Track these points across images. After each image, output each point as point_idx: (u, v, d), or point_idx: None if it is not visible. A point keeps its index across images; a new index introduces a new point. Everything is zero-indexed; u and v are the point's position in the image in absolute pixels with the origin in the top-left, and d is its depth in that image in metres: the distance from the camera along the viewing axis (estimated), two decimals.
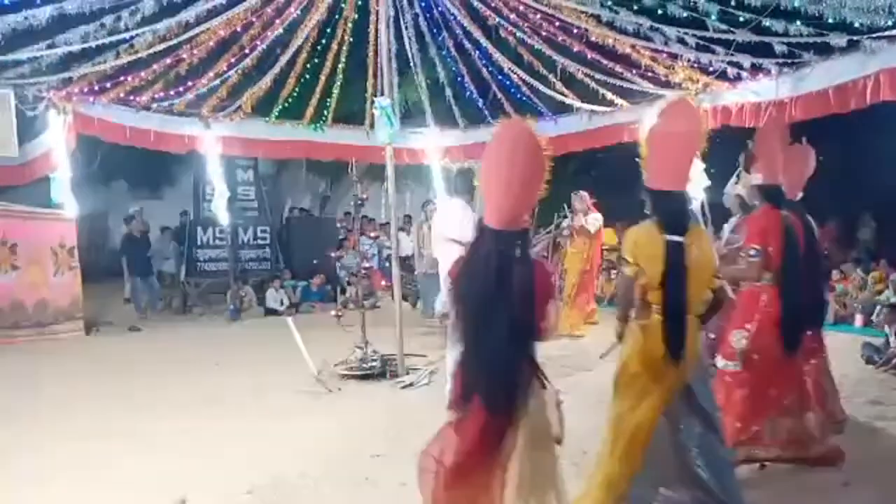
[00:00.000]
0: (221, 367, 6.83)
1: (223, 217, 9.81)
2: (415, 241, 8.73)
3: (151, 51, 6.81)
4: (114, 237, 14.36)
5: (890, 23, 5.03)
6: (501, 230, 2.44)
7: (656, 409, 2.96)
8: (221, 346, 7.87)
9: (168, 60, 7.23)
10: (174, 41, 6.77)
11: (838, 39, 5.62)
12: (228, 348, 7.77)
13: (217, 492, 3.69)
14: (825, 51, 5.98)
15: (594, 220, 7.89)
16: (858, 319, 8.13)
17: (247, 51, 7.53)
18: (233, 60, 7.70)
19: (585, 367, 6.26)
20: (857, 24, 5.22)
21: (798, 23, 5.43)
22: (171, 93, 8.05)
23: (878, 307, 7.96)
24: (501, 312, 2.39)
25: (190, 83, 7.98)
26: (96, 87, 7.37)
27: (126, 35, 6.43)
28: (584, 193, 7.94)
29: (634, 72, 7.61)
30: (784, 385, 3.76)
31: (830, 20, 5.21)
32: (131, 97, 7.91)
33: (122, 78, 7.42)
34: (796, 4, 5.08)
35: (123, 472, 3.96)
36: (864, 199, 12.00)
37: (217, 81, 8.10)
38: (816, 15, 5.27)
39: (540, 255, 10.80)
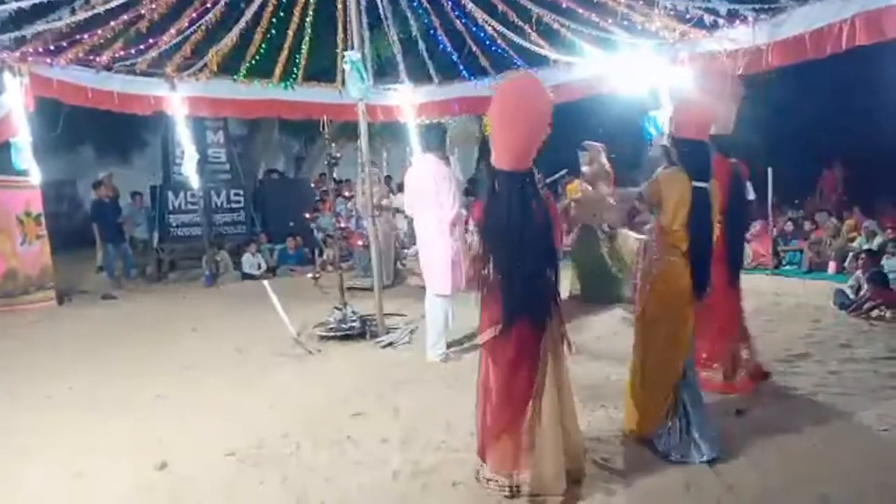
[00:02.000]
0: (199, 332, 6.76)
1: (194, 180, 9.58)
2: (356, 203, 8.50)
3: (108, 6, 6.46)
4: (84, 204, 14.05)
5: None
6: (515, 171, 2.84)
7: (687, 339, 3.34)
8: (198, 312, 7.78)
9: (126, 17, 6.88)
10: None
11: None
12: (205, 314, 7.68)
13: (198, 455, 3.66)
14: None
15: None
16: (832, 266, 8.27)
17: (209, 5, 7.19)
18: (194, 16, 7.36)
19: None
20: None
21: None
22: (133, 51, 7.70)
23: (851, 254, 8.10)
24: (532, 240, 2.83)
25: (151, 41, 7.63)
26: (52, 47, 7.01)
27: None
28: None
29: (611, 20, 7.44)
30: (730, 316, 4.18)
31: None
32: (91, 57, 7.56)
33: (79, 36, 7.06)
34: None
35: (102, 440, 3.92)
36: (836, 147, 12.08)
37: (179, 39, 7.75)
38: None
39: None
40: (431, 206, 5.07)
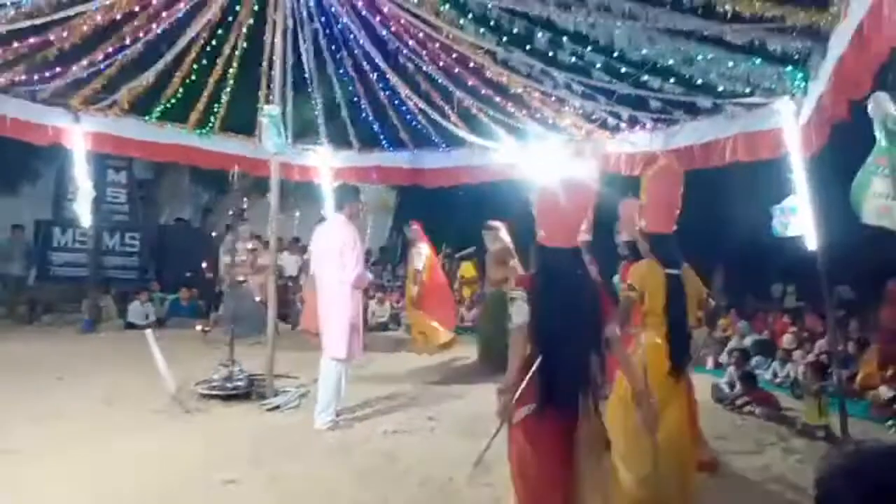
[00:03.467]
0: (66, 381, 6.18)
1: (86, 219, 9.01)
2: (228, 260, 7.96)
3: (12, 27, 6.12)
4: None
5: (748, 90, 5.57)
6: (568, 248, 2.88)
7: (679, 418, 3.49)
8: (69, 359, 7.13)
9: (32, 40, 6.54)
10: (41, 20, 6.14)
11: (704, 101, 6.16)
12: (77, 361, 7.06)
13: None
14: (693, 110, 6.52)
15: (417, 253, 7.83)
16: (709, 362, 8.78)
17: (127, 42, 6.99)
18: (110, 50, 7.11)
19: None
20: (720, 88, 5.73)
21: (672, 81, 5.88)
22: (35, 77, 7.29)
23: (725, 352, 8.64)
24: (582, 319, 2.79)
25: (59, 69, 7.27)
26: None
27: None
28: (416, 226, 8.01)
29: (525, 112, 7.90)
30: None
31: (699, 82, 5.69)
32: None
33: None
34: (671, 63, 5.49)
35: None
36: (717, 252, 13.15)
37: (89, 72, 7.43)
38: (687, 76, 5.73)
39: None
40: (335, 266, 5.01)
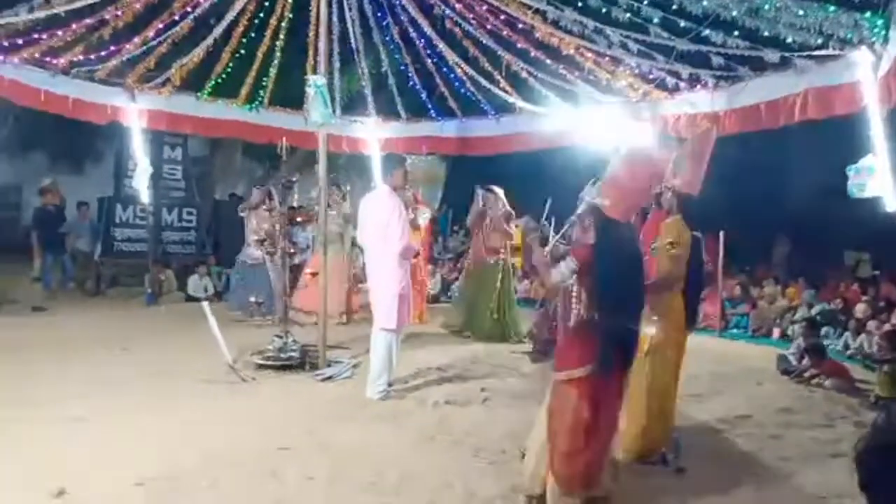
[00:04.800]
0: (130, 352, 6.41)
1: (145, 195, 9.26)
2: (248, 227, 8.21)
3: (70, 7, 6.25)
4: (28, 211, 13.45)
5: (819, 41, 5.16)
6: (626, 222, 3.16)
7: (676, 371, 3.92)
8: (133, 331, 7.40)
9: (89, 21, 6.67)
10: (95, 0, 6.25)
11: (772, 55, 5.74)
12: (140, 333, 7.31)
13: (103, 483, 3.38)
14: (759, 66, 6.10)
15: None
16: (776, 332, 8.41)
17: (177, 17, 7.05)
18: (161, 27, 7.20)
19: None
20: (789, 41, 5.32)
21: (735, 34, 5.50)
22: (93, 57, 7.46)
23: (791, 323, 8.25)
24: (637, 286, 3.15)
25: (113, 48, 7.41)
26: (6, 44, 6.73)
27: None
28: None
29: (577, 74, 7.60)
30: None
31: (766, 34, 5.30)
32: (47, 58, 7.31)
33: (35, 36, 6.81)
34: (734, 15, 5.13)
35: (4, 464, 3.57)
36: (781, 220, 12.53)
37: (143, 49, 7.56)
38: (753, 29, 5.34)
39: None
40: (381, 239, 4.96)
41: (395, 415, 4.66)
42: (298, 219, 5.89)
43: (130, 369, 5.67)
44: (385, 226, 4.93)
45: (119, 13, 6.69)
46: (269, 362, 5.70)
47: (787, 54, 5.66)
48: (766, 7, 4.87)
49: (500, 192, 7.73)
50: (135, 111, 8.51)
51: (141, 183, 8.92)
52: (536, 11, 6.49)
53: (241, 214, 8.37)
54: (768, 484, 3.65)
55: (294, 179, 6.23)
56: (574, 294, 3.08)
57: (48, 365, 5.70)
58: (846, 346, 7.23)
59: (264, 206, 7.19)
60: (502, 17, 6.98)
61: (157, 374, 5.56)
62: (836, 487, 3.52)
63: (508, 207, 7.63)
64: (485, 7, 6.98)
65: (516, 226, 7.38)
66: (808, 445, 4.31)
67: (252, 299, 7.25)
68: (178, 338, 7.05)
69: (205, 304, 6.10)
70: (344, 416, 4.61)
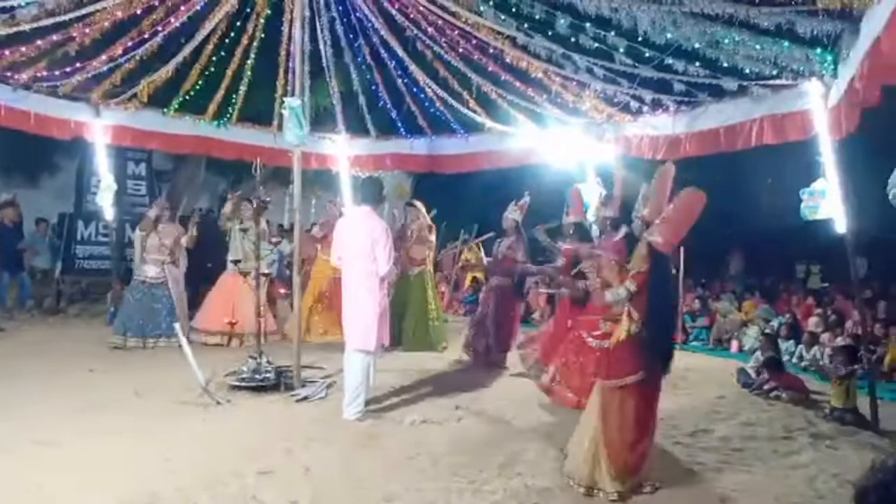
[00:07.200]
0: (96, 373, 6.28)
1: (109, 212, 9.10)
2: (137, 246, 8.18)
3: (36, 25, 6.15)
4: None
5: (774, 72, 5.47)
6: (668, 254, 3.77)
7: None
8: (98, 351, 7.25)
9: (55, 37, 6.56)
10: (64, 17, 6.16)
11: (730, 83, 6.04)
12: (105, 354, 7.17)
13: None
14: (718, 93, 6.41)
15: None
16: (734, 345, 8.74)
17: (146, 35, 6.99)
18: (130, 44, 7.12)
19: None
20: (746, 71, 5.62)
21: (696, 64, 5.78)
22: (57, 73, 7.33)
23: (747, 336, 8.59)
24: (674, 311, 4.45)
25: (79, 65, 7.30)
26: None
27: (4, 3, 5.78)
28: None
29: (545, 97, 7.81)
30: None
31: (724, 64, 5.58)
32: (8, 73, 7.15)
33: None
34: (696, 46, 5.39)
35: None
36: (739, 235, 13.06)
37: (109, 66, 7.45)
38: (713, 59, 5.62)
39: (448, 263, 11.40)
40: (363, 259, 5.01)
41: (373, 436, 4.70)
42: (273, 239, 5.88)
43: (99, 392, 5.57)
44: (370, 246, 4.97)
45: (87, 31, 6.59)
46: (244, 383, 5.67)
47: (744, 83, 5.96)
48: (726, 41, 5.13)
49: (420, 206, 8.28)
50: (99, 127, 8.38)
51: (105, 199, 8.75)
52: (507, 37, 6.66)
53: (140, 233, 8.07)
54: (733, 498, 3.79)
55: (268, 199, 6.23)
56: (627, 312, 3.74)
57: (10, 389, 5.54)
58: (800, 358, 7.58)
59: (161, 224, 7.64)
60: (473, 41, 7.14)
61: (127, 396, 5.47)
62: (798, 498, 3.72)
63: (429, 220, 8.21)
64: (456, 31, 7.13)
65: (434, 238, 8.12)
66: (770, 459, 4.52)
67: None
68: (147, 358, 6.94)
69: (176, 324, 6.04)
70: (323, 438, 4.63)
